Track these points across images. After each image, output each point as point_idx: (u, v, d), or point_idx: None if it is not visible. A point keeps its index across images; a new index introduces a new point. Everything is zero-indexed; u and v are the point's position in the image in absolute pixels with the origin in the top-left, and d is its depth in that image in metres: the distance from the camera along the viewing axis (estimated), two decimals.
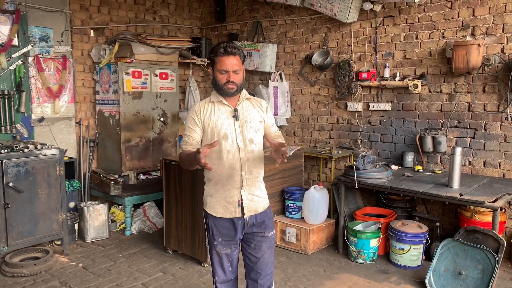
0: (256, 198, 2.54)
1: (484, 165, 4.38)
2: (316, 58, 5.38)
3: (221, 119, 2.46)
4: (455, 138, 4.52)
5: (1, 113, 4.63)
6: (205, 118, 2.47)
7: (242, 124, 2.48)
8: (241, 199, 2.47)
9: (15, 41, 4.73)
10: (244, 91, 2.54)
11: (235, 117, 2.47)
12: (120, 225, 5.28)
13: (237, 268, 2.67)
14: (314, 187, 4.55)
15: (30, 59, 4.89)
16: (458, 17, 4.39)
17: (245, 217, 2.49)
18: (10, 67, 4.71)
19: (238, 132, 2.46)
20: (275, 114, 5.71)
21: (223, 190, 2.48)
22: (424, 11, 4.59)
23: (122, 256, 4.46)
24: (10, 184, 3.94)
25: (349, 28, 5.17)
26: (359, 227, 4.37)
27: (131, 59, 5.28)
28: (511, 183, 4.02)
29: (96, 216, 4.85)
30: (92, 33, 5.48)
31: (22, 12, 4.76)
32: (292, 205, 4.67)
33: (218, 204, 2.50)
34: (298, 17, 5.63)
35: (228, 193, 2.48)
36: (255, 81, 6.12)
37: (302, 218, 4.61)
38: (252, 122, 2.50)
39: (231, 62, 2.40)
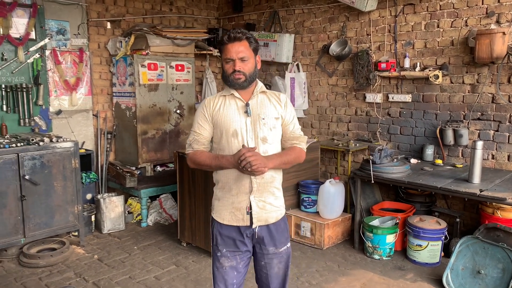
0: (269, 207, 2.24)
1: (508, 159, 4.19)
2: (334, 48, 5.25)
3: (231, 114, 2.21)
4: (478, 131, 4.33)
5: (20, 106, 4.71)
6: (214, 113, 2.23)
7: (255, 121, 2.21)
8: (250, 206, 2.20)
9: (33, 35, 4.78)
10: (260, 84, 2.28)
11: (247, 112, 2.20)
12: (136, 217, 5.32)
13: (242, 284, 2.37)
14: (330, 181, 4.47)
15: (47, 52, 4.93)
16: (482, 4, 4.18)
17: (253, 226, 2.22)
18: (28, 61, 4.76)
19: (250, 130, 2.20)
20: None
21: (230, 194, 2.23)
22: None
23: (137, 248, 4.49)
24: (26, 177, 4.01)
25: (368, 16, 5.01)
26: (375, 222, 4.27)
27: (146, 51, 5.26)
28: None
29: (112, 208, 4.90)
30: (108, 25, 5.50)
31: (39, 5, 4.79)
32: (307, 199, 4.60)
33: (225, 209, 2.25)
34: (315, 6, 5.49)
35: (236, 198, 2.22)
36: (272, 72, 6.03)
37: (317, 212, 4.54)
38: (266, 118, 2.21)
39: (236, 49, 2.15)
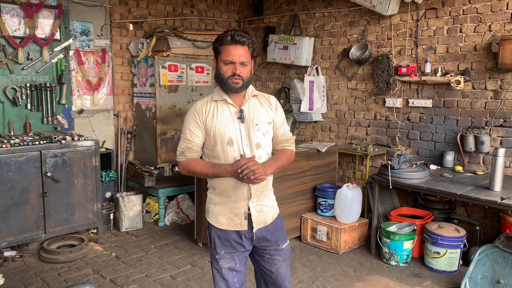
0: (266, 208, 2.27)
1: None
2: (354, 52, 5.22)
3: (225, 121, 2.17)
4: (500, 138, 4.26)
5: (44, 105, 4.81)
6: (207, 120, 2.18)
7: (249, 127, 2.19)
8: (249, 211, 2.21)
9: (57, 35, 4.89)
10: (250, 87, 2.24)
11: (241, 118, 2.17)
12: (154, 216, 5.38)
13: (244, 282, 2.38)
14: (347, 186, 4.45)
15: (71, 53, 5.04)
16: (507, 9, 4.11)
17: (254, 230, 2.23)
18: (52, 61, 4.87)
19: (244, 137, 2.18)
20: (310, 109, 5.60)
21: (228, 200, 2.22)
22: (470, 3, 4.33)
23: (154, 247, 4.54)
24: (48, 174, 4.10)
25: (389, 20, 4.97)
26: (393, 228, 4.23)
27: (167, 53, 5.33)
28: None
29: (131, 206, 4.97)
30: (131, 26, 5.58)
31: (64, 7, 4.90)
32: (324, 202, 4.58)
33: (222, 214, 2.23)
34: (336, 10, 5.48)
35: (235, 204, 2.21)
36: (291, 75, 6.03)
37: (334, 217, 4.52)
38: (259, 124, 2.21)
39: (238, 53, 2.10)
